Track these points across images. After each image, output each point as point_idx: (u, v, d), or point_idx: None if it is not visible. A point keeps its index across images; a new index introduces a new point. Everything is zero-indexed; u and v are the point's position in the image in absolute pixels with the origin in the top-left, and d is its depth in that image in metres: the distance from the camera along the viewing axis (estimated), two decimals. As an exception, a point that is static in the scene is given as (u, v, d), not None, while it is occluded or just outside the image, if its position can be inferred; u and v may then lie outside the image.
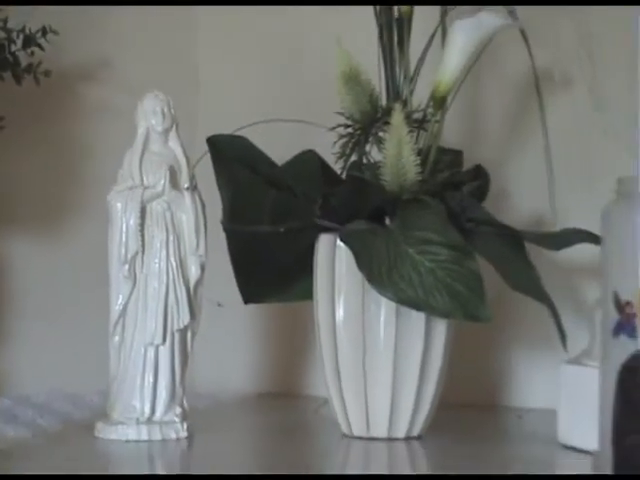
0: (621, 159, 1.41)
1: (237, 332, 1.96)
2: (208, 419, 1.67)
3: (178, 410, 1.49)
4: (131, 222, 1.47)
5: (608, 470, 0.95)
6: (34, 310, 1.85)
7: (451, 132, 1.71)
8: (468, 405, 1.78)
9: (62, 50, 1.78)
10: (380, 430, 1.53)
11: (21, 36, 1.71)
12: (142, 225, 1.48)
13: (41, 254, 1.84)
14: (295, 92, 1.82)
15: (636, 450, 0.94)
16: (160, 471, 1.37)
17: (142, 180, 1.49)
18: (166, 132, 1.50)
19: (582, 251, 1.50)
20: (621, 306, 0.95)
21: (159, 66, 1.93)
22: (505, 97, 1.84)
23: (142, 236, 1.48)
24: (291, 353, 1.86)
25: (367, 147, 1.56)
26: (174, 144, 1.51)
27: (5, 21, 1.70)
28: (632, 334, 0.95)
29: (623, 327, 0.95)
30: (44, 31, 1.72)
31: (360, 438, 1.54)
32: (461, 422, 1.69)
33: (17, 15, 1.73)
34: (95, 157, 1.75)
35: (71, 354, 1.71)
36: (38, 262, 1.85)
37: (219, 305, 1.79)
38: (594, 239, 1.44)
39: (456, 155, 1.66)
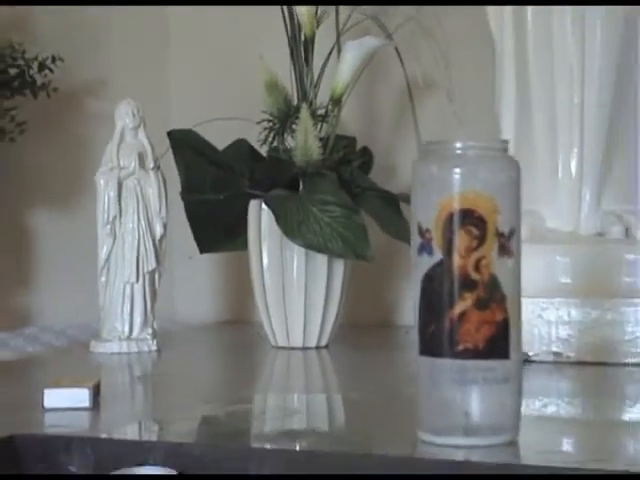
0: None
1: (204, 275, 1.98)
2: (177, 338, 1.75)
3: (149, 330, 1.56)
4: (111, 194, 1.54)
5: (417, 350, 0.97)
6: (56, 263, 1.89)
7: (350, 122, 1.76)
8: (366, 324, 1.83)
9: (67, 71, 1.80)
10: (297, 341, 1.61)
11: (36, 63, 1.75)
12: (119, 196, 1.55)
13: (60, 222, 1.87)
14: (238, 94, 1.83)
15: (434, 336, 0.96)
16: (153, 384, 1.40)
17: (119, 163, 1.55)
18: (136, 128, 1.57)
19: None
20: (422, 232, 0.96)
21: (140, 81, 1.93)
22: (391, 96, 1.86)
23: (119, 204, 1.55)
24: (241, 290, 1.85)
25: (284, 136, 1.62)
26: (142, 137, 1.57)
27: (24, 52, 1.74)
28: (430, 252, 0.95)
29: (424, 248, 0.96)
30: (53, 59, 1.76)
31: (283, 348, 1.61)
32: (360, 336, 1.74)
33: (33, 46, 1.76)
34: (93, 150, 1.73)
35: (83, 294, 1.70)
36: (58, 227, 1.88)
37: (190, 257, 1.81)
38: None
39: (350, 140, 1.70)
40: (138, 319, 1.57)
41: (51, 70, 1.78)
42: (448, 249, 0.95)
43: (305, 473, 0.92)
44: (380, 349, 1.63)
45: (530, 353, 1.43)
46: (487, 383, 0.95)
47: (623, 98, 1.52)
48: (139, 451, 0.97)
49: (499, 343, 0.95)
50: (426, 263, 0.96)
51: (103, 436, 1.04)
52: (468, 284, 0.95)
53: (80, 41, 1.88)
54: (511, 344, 0.96)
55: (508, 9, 1.56)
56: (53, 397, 1.16)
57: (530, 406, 1.15)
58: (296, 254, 1.59)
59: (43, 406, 1.14)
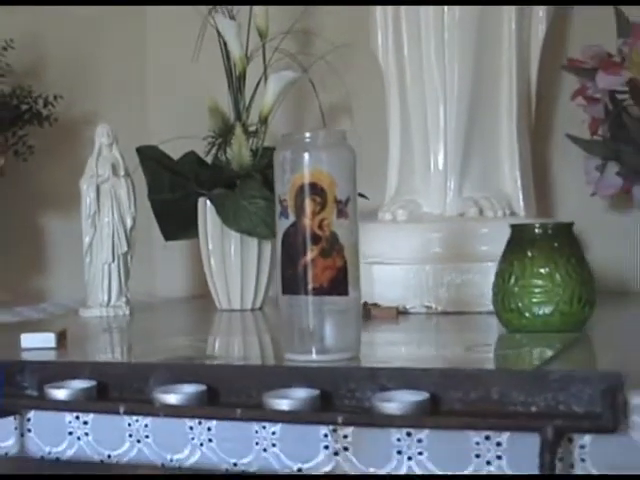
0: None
1: (177, 258, 1.96)
2: (151, 307, 1.75)
3: (124, 299, 1.59)
4: (91, 195, 1.57)
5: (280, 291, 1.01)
6: (62, 252, 1.88)
7: (277, 135, 1.75)
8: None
9: (66, 105, 1.82)
10: (236, 304, 1.64)
11: (41, 100, 1.79)
12: (97, 197, 1.58)
13: (64, 220, 1.85)
14: (192, 116, 1.75)
15: (291, 279, 0.99)
16: (115, 334, 1.41)
17: (97, 172, 1.58)
18: (110, 145, 1.59)
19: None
20: (281, 201, 1.00)
21: (122, 110, 1.93)
22: (310, 116, 1.83)
23: (97, 203, 1.58)
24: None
25: (223, 148, 1.64)
26: (115, 152, 1.59)
27: (31, 92, 1.78)
28: (286, 216, 0.99)
29: (282, 213, 0.99)
30: (54, 97, 1.79)
31: (226, 310, 1.64)
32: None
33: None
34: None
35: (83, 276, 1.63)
36: (62, 225, 1.87)
37: (165, 246, 1.77)
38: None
39: (274, 150, 1.72)
40: (114, 291, 1.59)
41: (53, 105, 1.82)
42: (299, 213, 0.99)
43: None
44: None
45: (408, 306, 1.47)
46: (332, 314, 1.00)
47: (481, 110, 1.56)
48: (71, 371, 1.02)
49: (340, 283, 1.00)
50: (284, 224, 1.01)
51: (47, 359, 1.09)
52: (314, 239, 0.99)
53: (75, 82, 1.90)
54: (350, 284, 1.01)
55: (391, 49, 1.61)
56: (27, 339, 1.21)
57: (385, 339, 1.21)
58: (233, 238, 1.62)
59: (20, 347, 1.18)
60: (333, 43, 1.74)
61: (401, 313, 1.44)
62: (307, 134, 1.02)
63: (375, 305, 1.44)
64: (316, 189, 1.00)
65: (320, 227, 1.00)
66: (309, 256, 1.00)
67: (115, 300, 1.60)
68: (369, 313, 1.40)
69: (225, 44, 1.66)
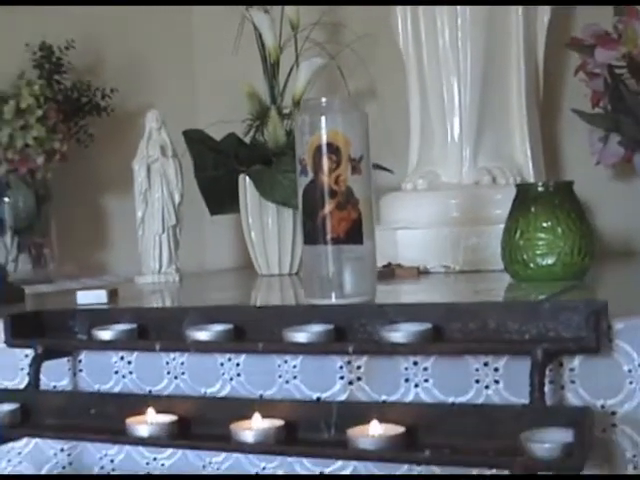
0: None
1: (223, 232, 1.93)
2: (199, 275, 1.75)
3: (173, 267, 1.58)
4: (142, 174, 1.57)
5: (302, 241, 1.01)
6: (122, 229, 1.86)
7: None
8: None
9: (122, 96, 1.84)
10: (274, 270, 1.65)
11: (99, 93, 1.82)
12: (148, 176, 1.57)
13: (121, 200, 1.84)
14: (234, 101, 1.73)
15: (311, 230, 1.00)
16: (167, 300, 1.37)
17: (147, 153, 1.57)
18: (159, 129, 1.58)
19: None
20: (300, 161, 0.99)
21: (172, 98, 1.90)
22: None
23: (148, 181, 1.57)
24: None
25: (260, 129, 1.65)
26: (163, 135, 1.58)
27: (90, 85, 1.82)
28: (306, 174, 0.99)
29: (302, 171, 1.00)
30: (111, 90, 1.82)
31: (265, 275, 1.65)
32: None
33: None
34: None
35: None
36: (120, 204, 1.85)
37: (212, 222, 1.80)
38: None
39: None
40: (165, 259, 1.60)
41: (110, 97, 1.85)
42: (317, 171, 1.00)
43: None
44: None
45: (428, 266, 1.46)
46: (349, 261, 1.01)
47: (492, 87, 1.55)
48: (115, 316, 1.03)
49: (355, 233, 1.01)
50: (304, 181, 1.01)
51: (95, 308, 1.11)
52: (331, 193, 1.00)
53: (129, 76, 1.92)
54: (365, 234, 1.01)
55: (410, 35, 1.61)
56: (82, 296, 1.23)
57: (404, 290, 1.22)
58: (270, 210, 1.63)
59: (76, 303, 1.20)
60: (358, 33, 1.75)
61: (422, 273, 1.44)
62: (323, 99, 1.02)
63: (398, 265, 1.44)
64: (332, 148, 1.00)
65: (336, 183, 1.00)
66: (327, 209, 1.00)
67: (166, 267, 1.60)
68: (393, 272, 1.41)
69: (260, 36, 1.68)
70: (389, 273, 1.40)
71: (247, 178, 1.63)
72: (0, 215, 1.73)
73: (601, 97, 1.48)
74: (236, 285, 1.62)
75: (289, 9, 1.66)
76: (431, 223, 1.48)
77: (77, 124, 1.84)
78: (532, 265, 1.17)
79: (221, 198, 1.69)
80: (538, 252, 1.17)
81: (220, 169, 1.66)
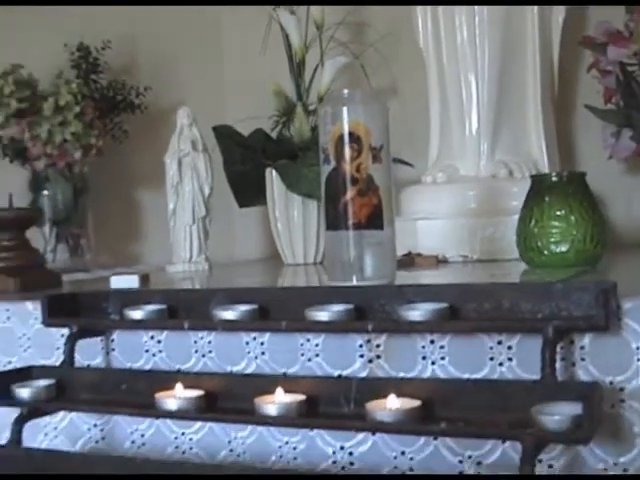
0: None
1: (251, 225, 1.92)
2: (228, 265, 1.74)
3: (203, 256, 1.59)
4: (174, 167, 1.57)
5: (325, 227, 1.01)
6: (155, 221, 1.86)
7: None
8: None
9: (155, 95, 1.86)
10: (300, 259, 1.65)
11: (133, 92, 1.84)
12: (179, 169, 1.57)
13: (154, 194, 1.85)
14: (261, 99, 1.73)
15: (334, 216, 0.99)
16: (196, 285, 1.35)
17: (179, 148, 1.58)
18: (190, 125, 1.58)
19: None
20: (324, 150, 1.00)
21: (202, 97, 1.91)
22: None
23: (179, 174, 1.57)
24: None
25: (287, 124, 1.65)
26: (194, 130, 1.58)
27: (124, 84, 1.84)
28: (329, 162, 0.99)
29: (325, 160, 0.99)
30: (145, 88, 1.85)
31: (290, 264, 1.65)
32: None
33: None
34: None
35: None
36: (154, 202, 1.86)
37: (241, 214, 1.81)
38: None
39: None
40: (195, 249, 1.60)
41: (144, 95, 1.87)
42: (339, 159, 1.00)
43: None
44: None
45: (447, 256, 1.46)
46: (370, 246, 1.01)
47: (509, 84, 1.54)
48: (146, 297, 1.04)
49: (376, 218, 1.01)
50: (326, 170, 1.02)
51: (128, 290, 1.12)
52: (352, 181, 1.00)
53: (162, 75, 1.94)
54: (385, 219, 1.01)
55: (430, 33, 1.61)
56: (115, 281, 1.24)
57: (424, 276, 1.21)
58: (296, 202, 1.63)
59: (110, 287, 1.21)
60: (381, 33, 1.74)
61: (441, 262, 1.43)
62: (345, 91, 1.02)
63: (418, 255, 1.43)
64: (353, 138, 1.00)
65: (357, 170, 1.00)
66: (348, 195, 1.00)
67: (196, 256, 1.60)
68: (412, 261, 1.40)
69: (287, 35, 1.68)
70: (409, 261, 1.40)
71: (274, 172, 1.63)
72: (39, 207, 1.74)
73: (613, 94, 1.47)
74: (263, 272, 1.62)
75: (314, 9, 1.66)
76: (450, 214, 1.48)
77: (112, 121, 1.87)
78: (546, 252, 1.16)
79: (249, 191, 1.70)
80: (552, 240, 1.16)
81: (248, 163, 1.67)
